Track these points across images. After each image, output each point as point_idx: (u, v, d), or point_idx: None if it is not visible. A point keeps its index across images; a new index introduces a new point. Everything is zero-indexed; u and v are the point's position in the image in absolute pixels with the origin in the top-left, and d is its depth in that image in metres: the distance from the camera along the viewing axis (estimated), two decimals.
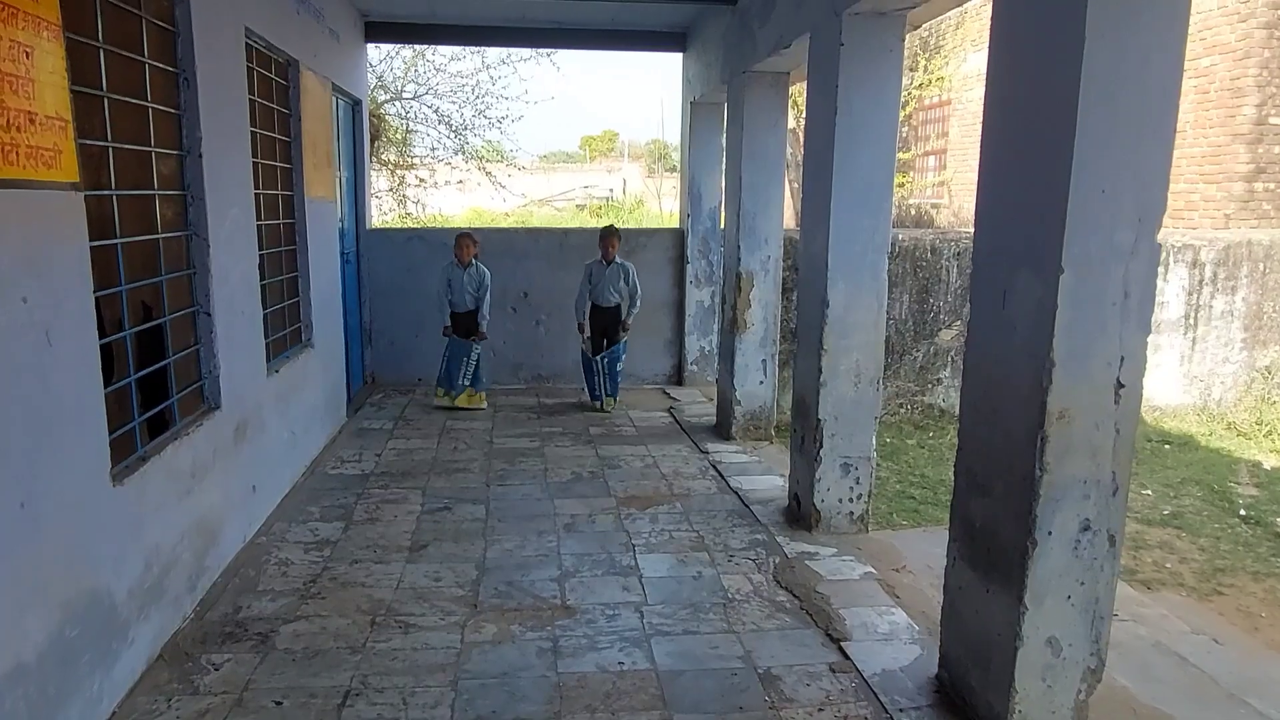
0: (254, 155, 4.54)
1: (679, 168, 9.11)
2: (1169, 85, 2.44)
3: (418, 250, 7.92)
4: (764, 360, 6.30)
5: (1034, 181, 2.59)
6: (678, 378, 8.43)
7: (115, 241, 3.11)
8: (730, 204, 6.40)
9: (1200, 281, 8.84)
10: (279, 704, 3.00)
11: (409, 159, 11.05)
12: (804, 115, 4.96)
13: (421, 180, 11.11)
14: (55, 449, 2.59)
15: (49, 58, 2.55)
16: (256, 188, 4.55)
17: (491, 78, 11.29)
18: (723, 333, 6.68)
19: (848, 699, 3.10)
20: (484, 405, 7.31)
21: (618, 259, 7.15)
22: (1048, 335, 2.51)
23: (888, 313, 8.05)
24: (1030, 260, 2.59)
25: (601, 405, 7.24)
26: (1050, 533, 2.61)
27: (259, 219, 4.58)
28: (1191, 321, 8.92)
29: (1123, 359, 2.55)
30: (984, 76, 2.87)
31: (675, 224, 9.47)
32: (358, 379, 7.57)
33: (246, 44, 4.41)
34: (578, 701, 3.06)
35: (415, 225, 10.57)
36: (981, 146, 2.90)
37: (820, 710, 3.03)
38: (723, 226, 7.59)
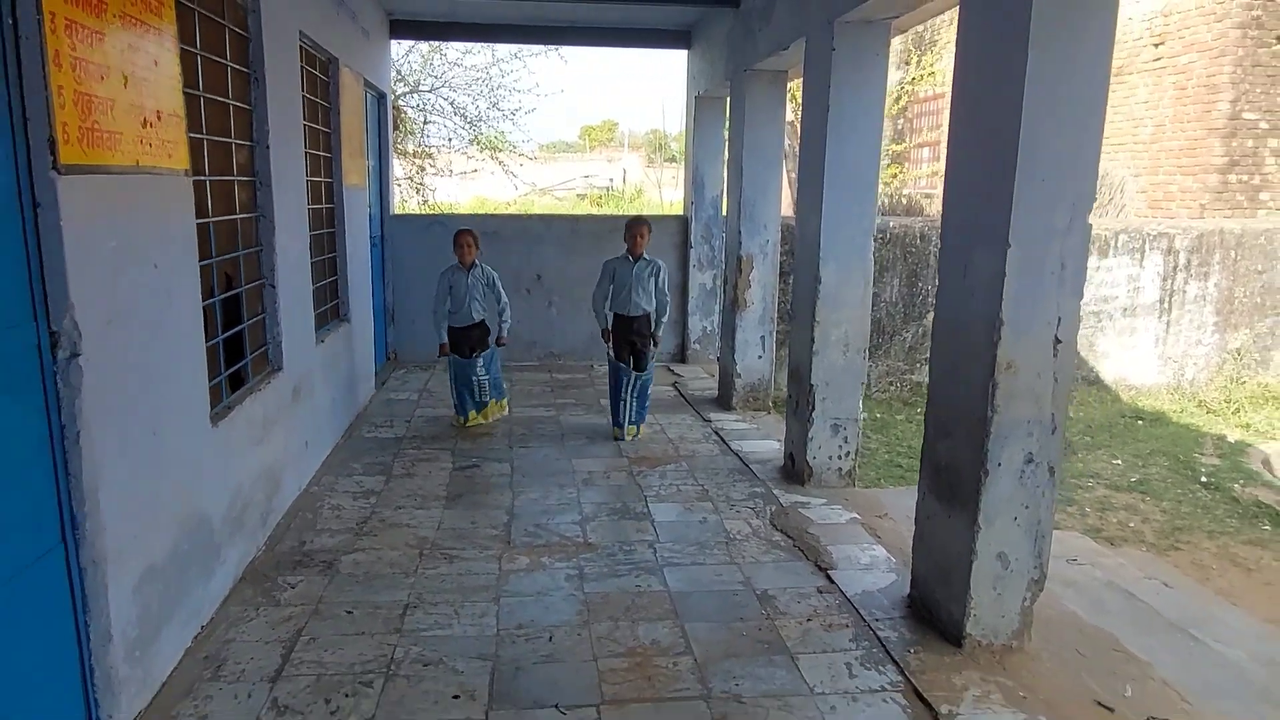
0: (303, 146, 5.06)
1: (684, 158, 9.60)
2: (1097, 94, 2.97)
3: (438, 235, 8.40)
4: (762, 336, 6.84)
5: (987, 172, 3.11)
6: (681, 356, 8.96)
7: (208, 220, 3.63)
8: (732, 192, 6.92)
9: (1175, 268, 9.37)
10: (350, 613, 3.54)
11: (426, 148, 11.58)
12: (800, 110, 5.47)
13: (438, 170, 11.64)
14: (175, 391, 3.12)
15: (169, 64, 3.07)
16: (305, 176, 5.07)
17: (502, 71, 11.81)
18: (725, 311, 7.21)
19: (832, 612, 3.65)
20: (505, 411, 6.61)
21: (646, 254, 5.93)
22: (998, 300, 3.04)
23: (880, 296, 8.61)
24: (985, 238, 3.12)
25: (623, 433, 6.04)
26: (999, 464, 3.15)
27: (308, 204, 5.09)
28: (1166, 306, 9.45)
29: (1060, 319, 3.08)
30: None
31: (679, 212, 9.98)
32: (381, 355, 8.09)
33: (299, 45, 4.92)
34: (602, 613, 3.60)
35: (435, 211, 11.10)
36: (948, 142, 3.42)
37: (809, 620, 3.57)
38: (724, 213, 8.11)
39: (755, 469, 5.51)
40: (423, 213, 10.67)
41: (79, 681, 2.57)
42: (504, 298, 6.29)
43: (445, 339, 6.16)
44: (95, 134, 2.52)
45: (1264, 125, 9.96)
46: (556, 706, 2.94)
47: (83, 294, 2.45)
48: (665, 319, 6.06)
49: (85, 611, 2.56)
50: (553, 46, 10.74)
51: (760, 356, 6.87)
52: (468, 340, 6.16)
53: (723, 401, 7.13)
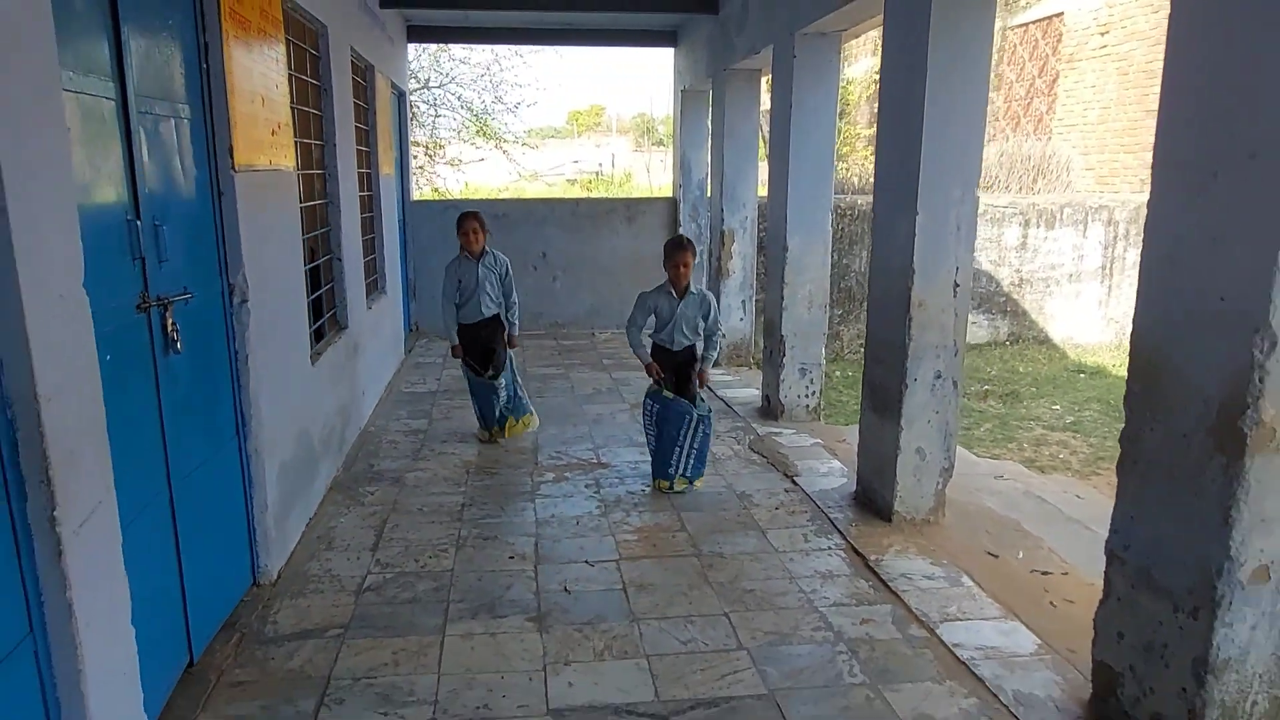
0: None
1: (672, 146, 10.58)
2: (979, 99, 3.98)
3: (452, 218, 9.38)
4: (743, 300, 7.86)
5: (902, 157, 4.12)
6: None
7: (301, 205, 4.61)
8: (714, 176, 7.92)
9: (1115, 237, 10.42)
10: (420, 510, 4.56)
11: (437, 140, 12.54)
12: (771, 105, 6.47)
13: (449, 160, 12.62)
14: (293, 335, 4.12)
15: (283, 85, 4.05)
16: (355, 168, 6.03)
17: (502, 66, 12.76)
18: (710, 280, 8.22)
19: (795, 504, 4.68)
20: (534, 425, 5.85)
21: (694, 287, 4.81)
22: (911, 253, 4.06)
23: (850, 266, 9.64)
24: (902, 207, 4.13)
25: (672, 485, 4.83)
26: (916, 380, 4.18)
27: (358, 192, 6.06)
28: (1108, 271, 10.51)
29: (958, 268, 4.11)
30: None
31: (668, 194, 10.96)
32: (407, 325, 9.07)
33: (350, 58, 5.88)
34: (617, 508, 4.63)
35: (449, 197, 12.06)
36: (876, 134, 4.44)
37: (776, 509, 4.61)
38: (709, 194, 9.10)
39: (737, 409, 6.54)
40: (438, 198, 11.64)
41: (246, 537, 3.59)
42: (514, 291, 5.64)
43: (456, 340, 5.51)
44: (249, 143, 3.51)
45: None
46: (586, 562, 3.98)
47: (247, 258, 3.44)
48: (717, 353, 4.92)
49: (251, 486, 3.57)
50: (551, 46, 11.67)
51: (741, 319, 7.90)
52: (478, 340, 5.51)
53: None
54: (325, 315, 5.12)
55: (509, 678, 3.04)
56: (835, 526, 4.36)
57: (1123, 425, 2.74)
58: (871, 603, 3.61)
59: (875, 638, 3.32)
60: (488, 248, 5.57)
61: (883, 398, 4.40)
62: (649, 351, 4.92)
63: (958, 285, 4.13)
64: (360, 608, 3.52)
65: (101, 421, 2.19)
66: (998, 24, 13.82)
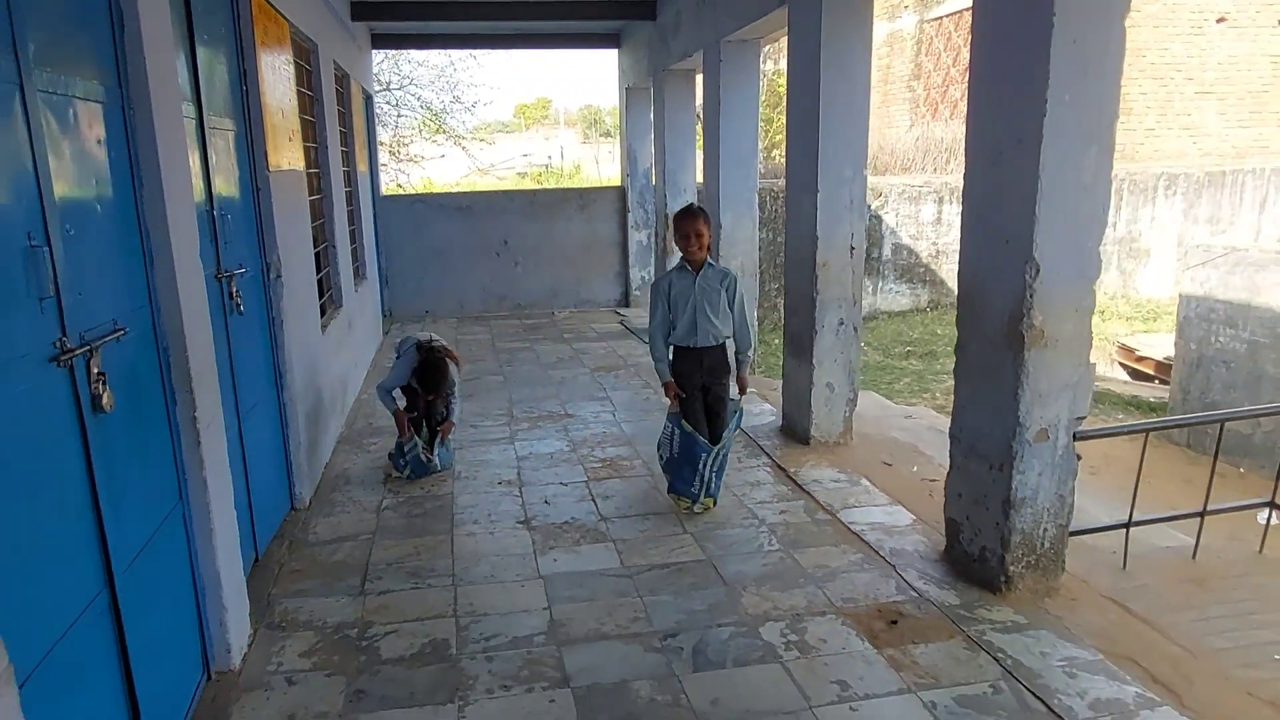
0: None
1: (619, 140, 11.47)
2: (861, 97, 4.95)
3: (420, 211, 10.21)
4: None
5: (805, 145, 5.07)
6: (625, 301, 10.90)
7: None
8: (657, 165, 8.82)
9: None
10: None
11: (400, 138, 13.27)
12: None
13: (412, 157, 13.37)
14: (309, 306, 4.93)
15: (294, 99, 4.85)
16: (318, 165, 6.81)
17: (456, 68, 13.51)
18: (657, 259, 9.14)
19: (735, 444, 5.63)
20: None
21: (710, 260, 4.29)
22: (814, 224, 5.02)
23: (779, 240, 10.62)
24: (806, 187, 5.09)
25: (694, 504, 4.36)
26: (823, 326, 5.15)
27: (343, 187, 6.85)
28: None
29: (852, 235, 5.08)
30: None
31: (617, 183, 11.85)
32: (381, 310, 9.85)
33: (334, 69, 6.66)
34: (583, 445, 5.53)
35: (416, 192, 12.81)
36: (786, 125, 5.39)
37: None
38: (653, 182, 10.02)
39: None
40: (403, 193, 12.40)
41: (284, 469, 4.42)
42: (456, 403, 5.25)
43: (401, 406, 5.13)
44: (276, 148, 4.32)
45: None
46: (560, 483, 4.88)
47: (280, 242, 4.26)
48: (752, 351, 4.47)
49: (287, 427, 4.40)
50: (504, 50, 12.44)
51: None
52: (416, 402, 5.20)
53: None
54: (325, 295, 5.93)
55: (507, 559, 3.94)
56: (764, 450, 5.33)
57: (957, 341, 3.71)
58: (789, 499, 4.57)
59: (790, 522, 4.29)
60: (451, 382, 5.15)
61: (798, 343, 5.36)
62: (671, 364, 4.34)
63: (853, 249, 5.11)
64: (382, 520, 4.39)
65: (212, 355, 3.03)
66: (915, 18, 14.94)
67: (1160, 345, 9.70)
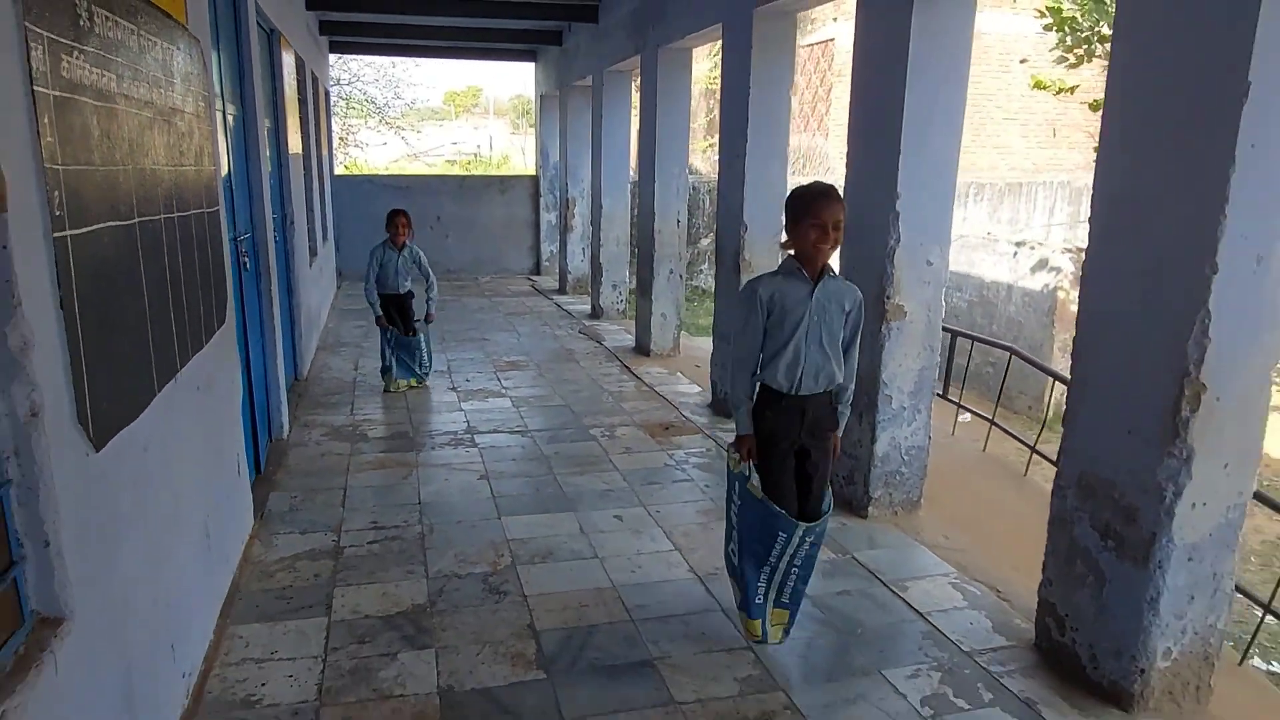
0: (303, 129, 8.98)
1: (535, 137, 13.78)
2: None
3: (366, 189, 12.37)
4: (584, 248, 11.21)
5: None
6: (536, 270, 13.26)
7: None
8: (562, 158, 11.21)
9: None
10: (374, 353, 7.70)
11: (348, 127, 15.34)
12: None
13: (357, 143, 15.48)
14: (304, 248, 7.17)
15: (295, 105, 7.08)
16: (305, 149, 9.00)
17: (395, 65, 15.62)
18: (561, 233, 11.53)
19: (600, 354, 8.08)
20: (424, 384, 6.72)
21: (832, 270, 2.88)
22: (653, 205, 7.48)
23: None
24: (649, 179, 7.54)
25: (765, 630, 3.08)
26: (658, 274, 7.63)
27: (315, 167, 9.05)
28: None
29: (678, 212, 7.56)
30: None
31: (533, 172, 14.19)
32: (335, 267, 11.98)
33: (311, 74, 8.84)
34: (494, 355, 7.90)
35: (363, 173, 14.88)
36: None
37: (589, 356, 7.99)
38: (561, 173, 12.39)
39: (574, 314, 9.92)
40: (353, 173, 14.46)
41: (293, 352, 6.67)
42: (431, 276, 6.46)
43: (381, 312, 6.36)
44: (289, 136, 6.56)
45: None
46: (478, 372, 7.24)
47: (293, 201, 6.50)
48: (850, 399, 3.05)
49: (293, 325, 6.66)
50: (439, 59, 14.58)
51: (582, 260, 11.26)
52: (394, 305, 6.41)
53: (561, 289, 11.52)
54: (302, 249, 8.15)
55: (441, 405, 6.29)
56: (617, 358, 7.80)
57: None
58: (627, 382, 7.04)
59: (623, 392, 6.74)
60: (409, 242, 6.40)
61: (644, 286, 7.84)
62: (753, 406, 2.96)
63: (679, 222, 7.60)
64: (357, 382, 6.70)
65: (274, 253, 5.30)
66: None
67: None
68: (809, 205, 2.79)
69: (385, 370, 6.54)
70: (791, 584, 3.03)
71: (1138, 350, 2.67)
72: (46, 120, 1.76)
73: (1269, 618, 3.86)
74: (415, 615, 3.34)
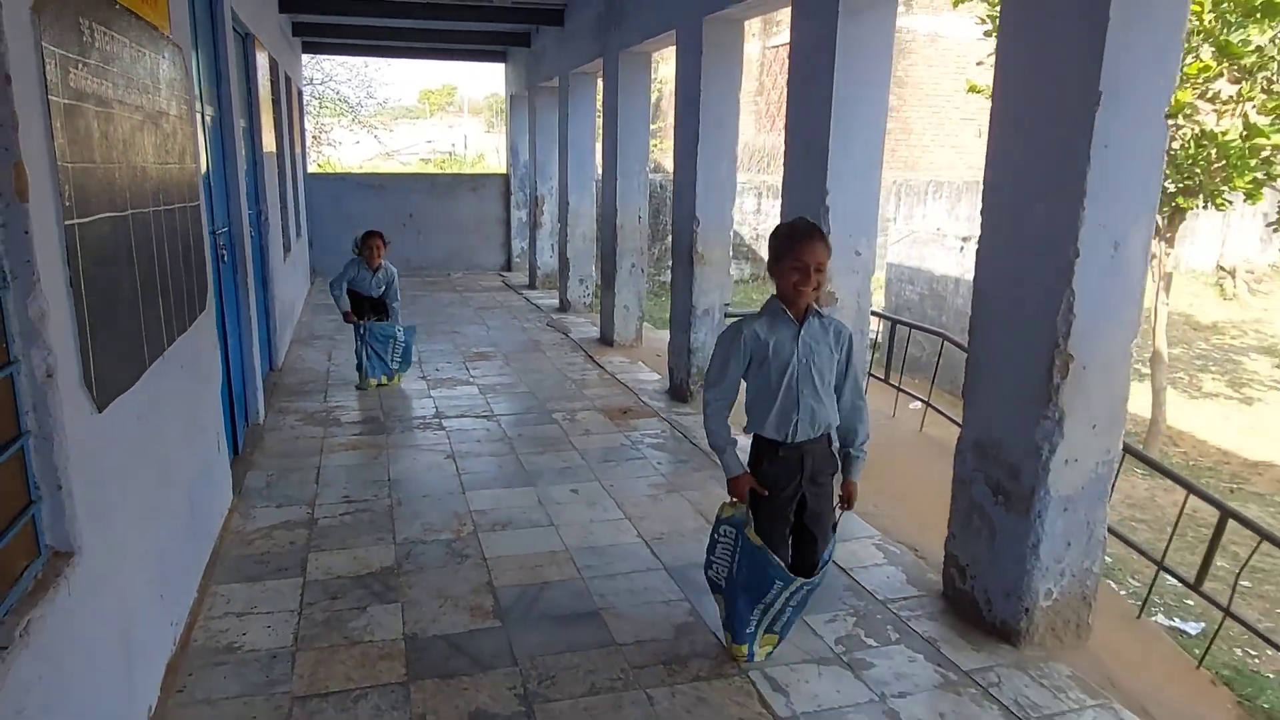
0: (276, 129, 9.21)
1: (505, 136, 14.07)
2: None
3: (339, 186, 12.59)
4: (553, 244, 11.52)
5: (610, 151, 7.85)
6: (507, 266, 13.55)
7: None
8: (531, 157, 11.51)
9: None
10: (348, 345, 7.98)
11: (321, 125, 15.53)
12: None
13: (330, 141, 15.69)
14: (278, 243, 7.43)
15: (269, 106, 7.34)
16: (279, 148, 9.24)
17: (367, 65, 15.84)
18: (530, 230, 11.83)
19: (565, 345, 8.40)
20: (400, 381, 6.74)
21: (818, 308, 2.82)
22: (615, 204, 7.81)
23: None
24: (611, 177, 7.87)
25: (750, 652, 3.04)
26: (621, 267, 7.96)
27: (289, 164, 9.29)
28: None
29: (640, 208, 7.90)
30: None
31: (504, 170, 14.47)
32: (308, 264, 12.21)
33: (284, 76, 9.08)
34: (464, 346, 8.20)
35: (337, 171, 15.09)
36: (602, 139, 8.18)
37: (555, 346, 8.31)
38: (531, 171, 12.69)
39: (543, 309, 10.23)
40: (327, 171, 14.65)
41: (268, 343, 6.93)
42: (398, 299, 6.52)
43: (348, 307, 6.40)
44: (264, 136, 6.82)
45: None
46: (447, 362, 7.54)
47: (267, 197, 6.76)
48: (865, 440, 2.94)
49: (268, 317, 6.92)
50: (408, 59, 14.83)
51: (551, 255, 11.57)
52: (367, 302, 6.46)
53: (530, 284, 11.82)
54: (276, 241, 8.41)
55: (411, 392, 6.58)
56: (582, 348, 8.13)
57: None
58: (590, 370, 7.37)
59: (585, 380, 7.07)
60: (384, 263, 6.38)
61: (607, 279, 8.17)
62: (739, 451, 2.86)
63: (640, 218, 7.94)
64: (330, 372, 6.97)
65: (250, 246, 5.57)
66: (760, 44, 18.04)
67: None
68: (791, 245, 2.70)
69: (360, 367, 6.51)
70: (786, 616, 2.97)
71: (1016, 326, 3.05)
72: (58, 124, 2.06)
73: (1194, 595, 4.26)
74: (383, 575, 3.66)
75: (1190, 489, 3.98)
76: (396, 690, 2.87)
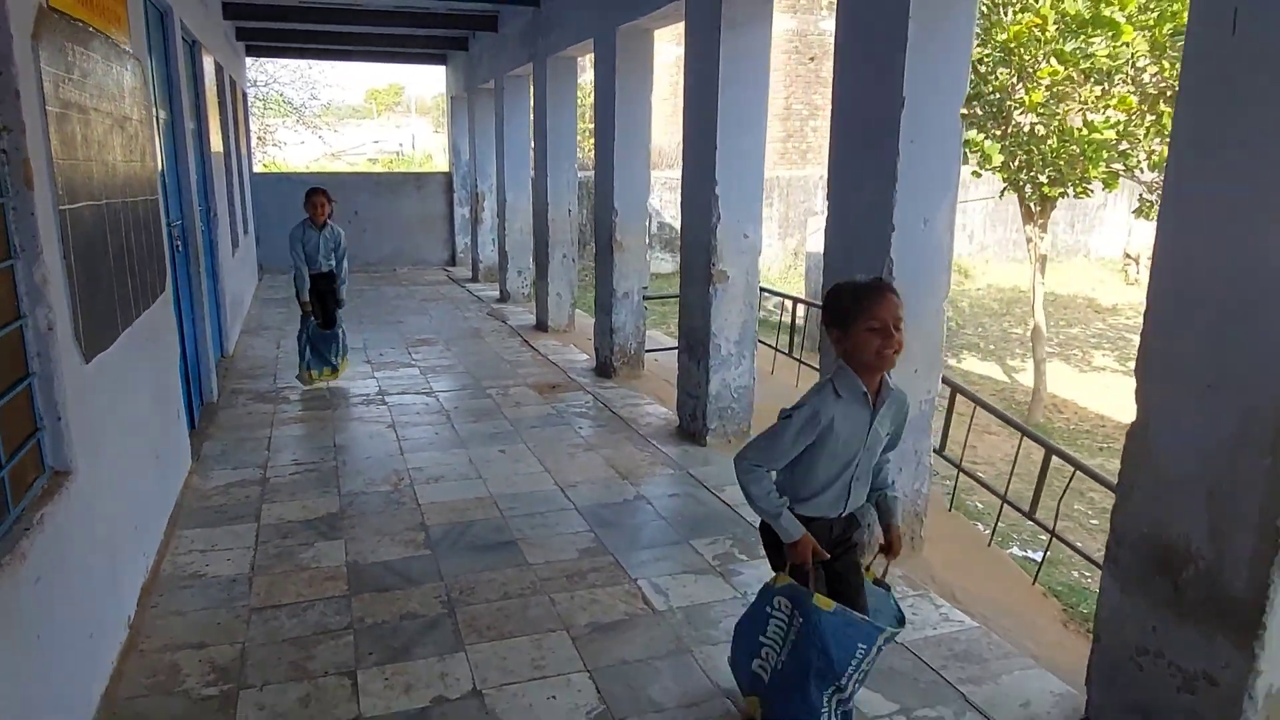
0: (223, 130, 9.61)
1: (446, 136, 14.53)
2: (569, 125, 8.37)
3: (286, 187, 12.93)
4: (493, 239, 12.05)
5: (541, 151, 8.42)
6: (452, 261, 14.03)
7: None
8: (471, 156, 12.02)
9: None
10: (293, 339, 8.44)
11: (265, 127, 15.83)
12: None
13: (275, 143, 15.99)
14: (226, 240, 7.86)
15: (215, 111, 7.77)
16: (226, 148, 9.64)
17: (310, 66, 16.17)
18: (472, 225, 12.35)
19: (504, 330, 8.95)
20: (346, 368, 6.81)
21: (889, 380, 2.42)
22: (546, 199, 8.38)
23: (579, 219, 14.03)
24: (545, 174, 8.43)
25: None
26: (554, 258, 8.54)
27: (235, 165, 9.69)
28: None
29: (569, 203, 8.48)
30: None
31: (447, 169, 14.93)
32: (256, 259, 12.56)
33: (229, 78, 9.48)
34: (407, 335, 8.70)
35: (282, 171, 15.37)
36: (535, 142, 8.75)
37: (493, 332, 8.85)
38: (471, 170, 13.19)
39: (484, 299, 10.77)
40: (270, 171, 14.96)
41: (219, 332, 7.37)
42: (345, 263, 6.52)
43: (308, 297, 6.39)
44: (213, 136, 7.26)
45: (804, 112, 16.31)
46: (391, 348, 8.05)
47: (215, 196, 7.20)
48: (895, 481, 2.72)
49: (218, 309, 7.36)
50: (350, 62, 15.20)
51: (492, 249, 12.10)
52: (316, 287, 6.45)
53: (474, 277, 12.34)
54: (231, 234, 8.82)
55: (356, 374, 7.09)
56: (519, 334, 8.70)
57: None
58: (524, 353, 7.93)
59: (520, 360, 7.64)
60: (329, 221, 6.43)
61: (541, 269, 8.74)
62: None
63: (570, 212, 8.52)
64: (279, 357, 7.44)
65: (201, 239, 6.04)
66: (680, 51, 18.67)
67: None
68: (863, 304, 2.25)
69: (302, 355, 6.49)
70: (855, 690, 2.47)
71: None
72: (53, 129, 2.59)
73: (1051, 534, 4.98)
74: (329, 519, 4.20)
75: (1023, 431, 4.70)
76: (340, 601, 3.43)
